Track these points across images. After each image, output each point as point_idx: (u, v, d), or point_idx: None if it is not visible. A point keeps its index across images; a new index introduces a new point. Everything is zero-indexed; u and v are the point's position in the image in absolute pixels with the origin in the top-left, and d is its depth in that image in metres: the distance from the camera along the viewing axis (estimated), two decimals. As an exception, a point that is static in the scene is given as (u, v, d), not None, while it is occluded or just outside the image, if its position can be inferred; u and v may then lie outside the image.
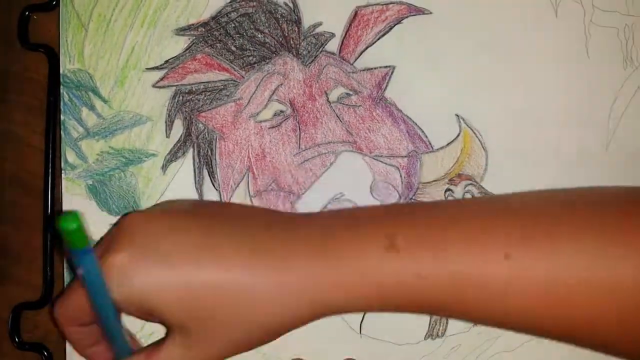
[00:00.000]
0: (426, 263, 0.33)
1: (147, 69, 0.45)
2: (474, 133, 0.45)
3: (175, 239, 0.34)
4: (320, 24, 0.45)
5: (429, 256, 0.33)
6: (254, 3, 0.45)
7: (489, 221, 0.34)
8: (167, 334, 0.36)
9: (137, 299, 0.33)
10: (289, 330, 0.35)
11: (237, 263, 0.33)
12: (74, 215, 0.29)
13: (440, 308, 0.35)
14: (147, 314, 0.34)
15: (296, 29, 0.45)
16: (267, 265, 0.33)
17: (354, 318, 0.45)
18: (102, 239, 0.36)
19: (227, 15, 0.45)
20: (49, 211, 0.45)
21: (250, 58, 0.45)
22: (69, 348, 0.44)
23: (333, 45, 0.45)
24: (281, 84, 0.45)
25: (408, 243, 0.33)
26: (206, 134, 0.45)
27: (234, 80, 0.45)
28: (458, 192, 0.45)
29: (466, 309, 0.34)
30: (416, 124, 0.45)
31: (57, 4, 0.45)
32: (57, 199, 0.45)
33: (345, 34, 0.45)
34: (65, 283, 0.44)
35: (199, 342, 0.34)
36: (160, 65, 0.45)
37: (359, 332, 0.45)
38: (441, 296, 0.33)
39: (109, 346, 0.38)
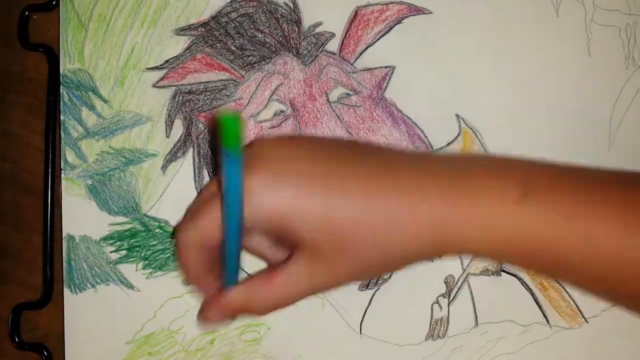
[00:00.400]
0: (562, 218, 0.33)
1: (147, 68, 0.45)
2: (474, 133, 0.45)
3: (315, 163, 0.34)
4: (320, 23, 0.45)
5: (566, 212, 0.33)
6: (254, 3, 0.45)
7: (626, 192, 0.34)
8: (288, 257, 0.36)
9: (274, 216, 0.34)
10: (409, 264, 0.36)
11: (375, 192, 0.34)
12: (237, 116, 0.29)
13: (562, 266, 0.34)
14: (279, 232, 0.35)
15: (296, 28, 0.45)
16: (404, 197, 0.34)
17: (355, 318, 0.44)
18: None
19: (227, 15, 0.45)
20: (49, 211, 0.45)
21: (251, 58, 0.45)
22: (68, 348, 0.44)
23: (333, 45, 0.45)
24: (281, 84, 0.45)
25: (545, 194, 0.33)
26: (206, 133, 0.45)
27: (234, 80, 0.45)
28: (459, 192, 0.44)
29: (590, 272, 0.34)
30: (416, 124, 0.45)
31: (57, 4, 0.45)
32: (57, 199, 0.45)
33: (346, 34, 0.45)
34: (65, 284, 0.44)
35: (326, 263, 0.34)
36: (161, 65, 0.45)
37: (359, 332, 0.44)
38: (569, 254, 0.33)
39: (221, 273, 0.38)
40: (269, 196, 0.33)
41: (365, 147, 0.38)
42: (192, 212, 0.36)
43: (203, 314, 0.38)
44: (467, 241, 0.34)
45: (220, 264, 0.37)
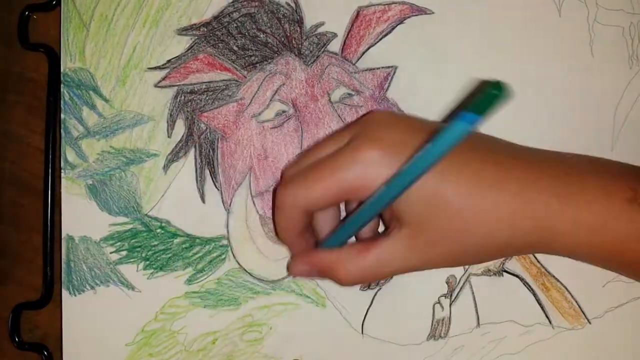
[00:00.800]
0: None
1: (149, 68, 0.45)
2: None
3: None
4: (322, 23, 0.45)
5: None
6: (256, 3, 0.45)
7: None
8: (387, 232, 0.36)
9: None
10: (504, 256, 0.38)
11: (482, 181, 0.34)
12: (503, 86, 0.29)
13: None
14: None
15: (298, 28, 0.45)
16: (509, 190, 0.34)
17: (356, 318, 0.44)
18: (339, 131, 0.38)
19: (230, 15, 0.45)
20: (49, 211, 0.44)
21: (253, 58, 0.45)
22: (66, 351, 0.44)
23: (335, 45, 0.45)
24: (283, 84, 0.44)
25: None
26: (208, 134, 0.44)
27: (236, 80, 0.45)
28: (461, 192, 0.44)
29: None
30: (419, 124, 0.45)
31: (57, 4, 0.45)
32: (57, 199, 0.45)
33: (348, 34, 0.45)
34: (64, 285, 0.44)
35: (427, 243, 0.35)
36: (162, 64, 0.45)
37: (361, 332, 0.44)
38: None
39: (315, 236, 0.39)
40: (381, 168, 0.34)
41: (480, 138, 0.38)
42: (305, 173, 0.36)
43: (293, 266, 0.39)
44: (566, 240, 0.34)
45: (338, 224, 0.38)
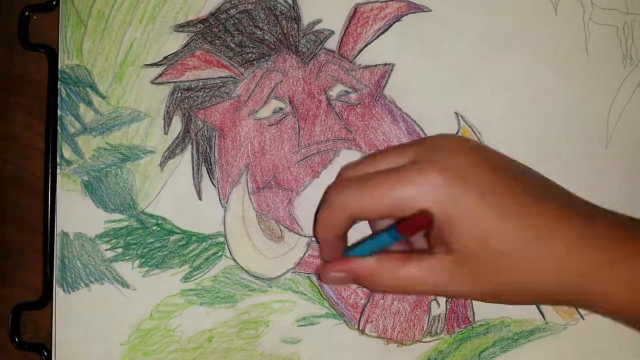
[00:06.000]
0: None
1: (146, 65, 0.44)
2: (473, 131, 0.45)
3: (497, 179, 0.35)
4: (319, 21, 0.45)
5: None
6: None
7: None
8: (431, 250, 0.36)
9: (439, 215, 0.34)
10: (543, 304, 0.38)
11: (538, 232, 0.34)
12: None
13: None
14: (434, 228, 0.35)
15: (295, 26, 0.45)
16: (562, 246, 0.34)
17: (354, 315, 0.44)
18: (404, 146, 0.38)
19: (227, 12, 0.45)
20: (49, 212, 0.44)
21: (250, 55, 0.45)
22: (60, 350, 0.44)
23: (332, 43, 0.45)
24: (280, 82, 0.44)
25: None
26: (205, 131, 0.44)
27: (233, 78, 0.45)
28: (457, 189, 0.45)
29: None
30: (415, 121, 0.45)
31: (57, 4, 0.44)
32: (57, 200, 0.44)
33: (345, 32, 0.45)
34: (58, 283, 0.44)
35: (468, 273, 0.35)
36: (159, 61, 0.45)
37: (358, 329, 0.44)
38: None
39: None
40: (438, 195, 0.34)
41: (543, 180, 0.38)
42: (363, 181, 0.36)
43: (327, 272, 0.39)
44: (610, 300, 0.34)
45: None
